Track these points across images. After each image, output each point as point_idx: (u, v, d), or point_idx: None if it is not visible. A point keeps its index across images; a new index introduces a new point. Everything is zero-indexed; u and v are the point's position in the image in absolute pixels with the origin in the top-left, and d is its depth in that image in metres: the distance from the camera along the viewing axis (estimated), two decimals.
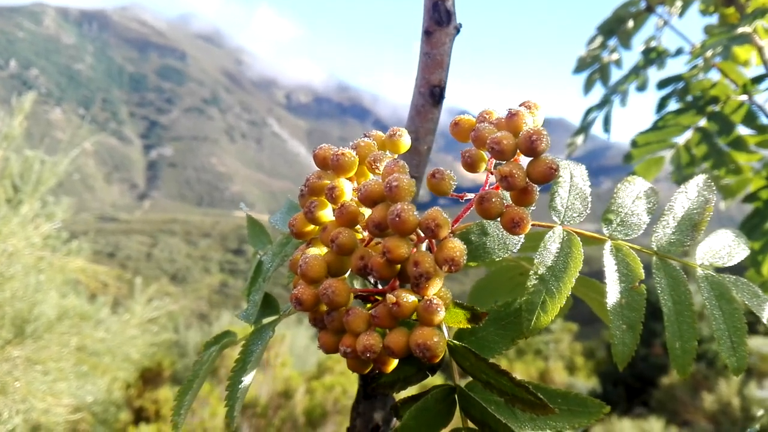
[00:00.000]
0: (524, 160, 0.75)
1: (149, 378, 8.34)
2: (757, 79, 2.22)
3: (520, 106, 0.78)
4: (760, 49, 2.27)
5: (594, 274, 1.02)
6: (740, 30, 2.08)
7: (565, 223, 0.83)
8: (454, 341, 0.76)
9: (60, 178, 5.80)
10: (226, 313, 12.69)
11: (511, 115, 0.75)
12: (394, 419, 0.94)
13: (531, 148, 0.71)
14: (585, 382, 14.51)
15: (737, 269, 0.94)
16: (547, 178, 0.72)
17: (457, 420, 0.79)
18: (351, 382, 7.89)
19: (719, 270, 0.88)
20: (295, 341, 10.19)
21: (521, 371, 13.23)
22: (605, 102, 2.65)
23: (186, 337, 10.61)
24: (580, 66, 2.87)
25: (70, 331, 5.47)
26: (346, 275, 0.80)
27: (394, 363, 0.78)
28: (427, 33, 1.04)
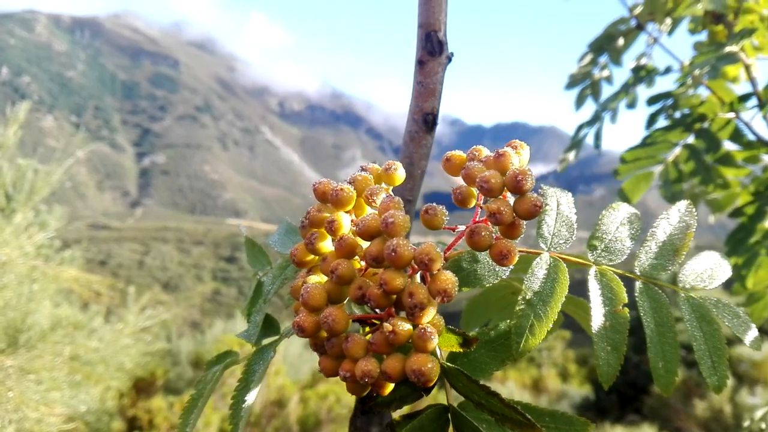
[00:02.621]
0: (511, 197, 0.79)
1: (142, 387, 8.32)
2: (744, 97, 2.28)
3: (506, 146, 0.83)
4: (747, 67, 2.32)
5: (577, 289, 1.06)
6: (728, 49, 2.13)
7: (552, 249, 0.86)
8: (448, 363, 0.80)
9: (53, 188, 5.80)
10: (219, 321, 12.62)
11: (499, 155, 0.79)
12: None
13: (517, 187, 0.76)
14: (578, 389, 14.50)
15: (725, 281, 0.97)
16: (533, 214, 0.77)
17: None
18: (345, 391, 7.82)
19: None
20: (288, 350, 10.16)
21: (515, 379, 13.23)
22: (596, 119, 2.70)
23: (178, 346, 10.56)
24: (572, 82, 2.92)
25: (64, 340, 5.46)
26: (345, 301, 0.84)
27: (390, 386, 0.82)
28: (420, 63, 1.08)
